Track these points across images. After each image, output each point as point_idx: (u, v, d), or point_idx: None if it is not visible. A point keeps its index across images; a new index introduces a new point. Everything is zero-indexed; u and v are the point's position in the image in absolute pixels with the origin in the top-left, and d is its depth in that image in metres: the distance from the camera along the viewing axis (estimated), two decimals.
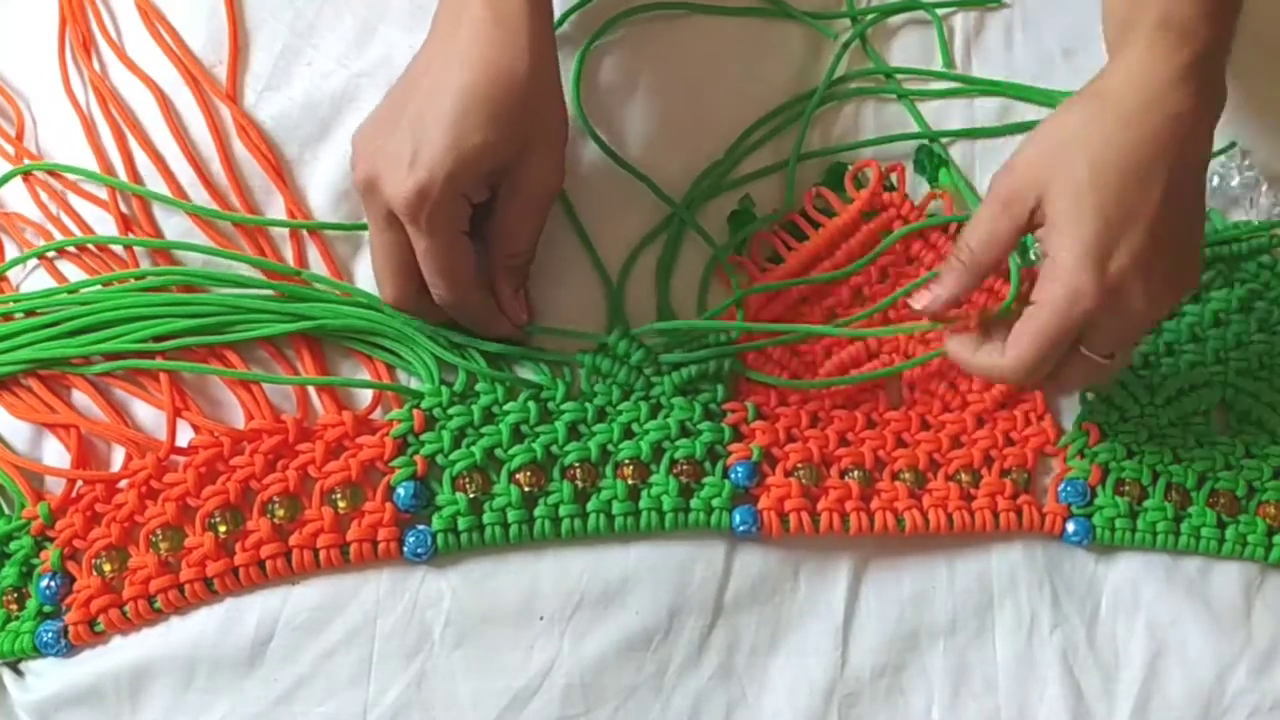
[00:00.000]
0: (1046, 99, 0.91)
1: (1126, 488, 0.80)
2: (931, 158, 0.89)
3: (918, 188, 0.89)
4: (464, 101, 0.71)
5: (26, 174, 0.84)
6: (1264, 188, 0.88)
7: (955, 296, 0.75)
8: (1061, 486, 0.81)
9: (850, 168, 0.88)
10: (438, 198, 0.71)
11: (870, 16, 0.92)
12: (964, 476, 0.80)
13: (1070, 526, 0.80)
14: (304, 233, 0.82)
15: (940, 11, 0.92)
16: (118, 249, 0.81)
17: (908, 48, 0.93)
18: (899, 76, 0.92)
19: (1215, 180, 0.88)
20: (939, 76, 0.93)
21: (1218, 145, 0.88)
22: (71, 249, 0.81)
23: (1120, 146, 0.71)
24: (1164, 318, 0.84)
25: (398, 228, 0.74)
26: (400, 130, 0.72)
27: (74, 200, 0.83)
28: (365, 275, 0.82)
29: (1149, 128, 0.71)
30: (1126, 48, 0.74)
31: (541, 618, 0.75)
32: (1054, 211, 0.71)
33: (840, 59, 0.91)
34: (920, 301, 0.76)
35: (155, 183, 0.83)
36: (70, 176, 0.83)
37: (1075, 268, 0.69)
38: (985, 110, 0.92)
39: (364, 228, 0.82)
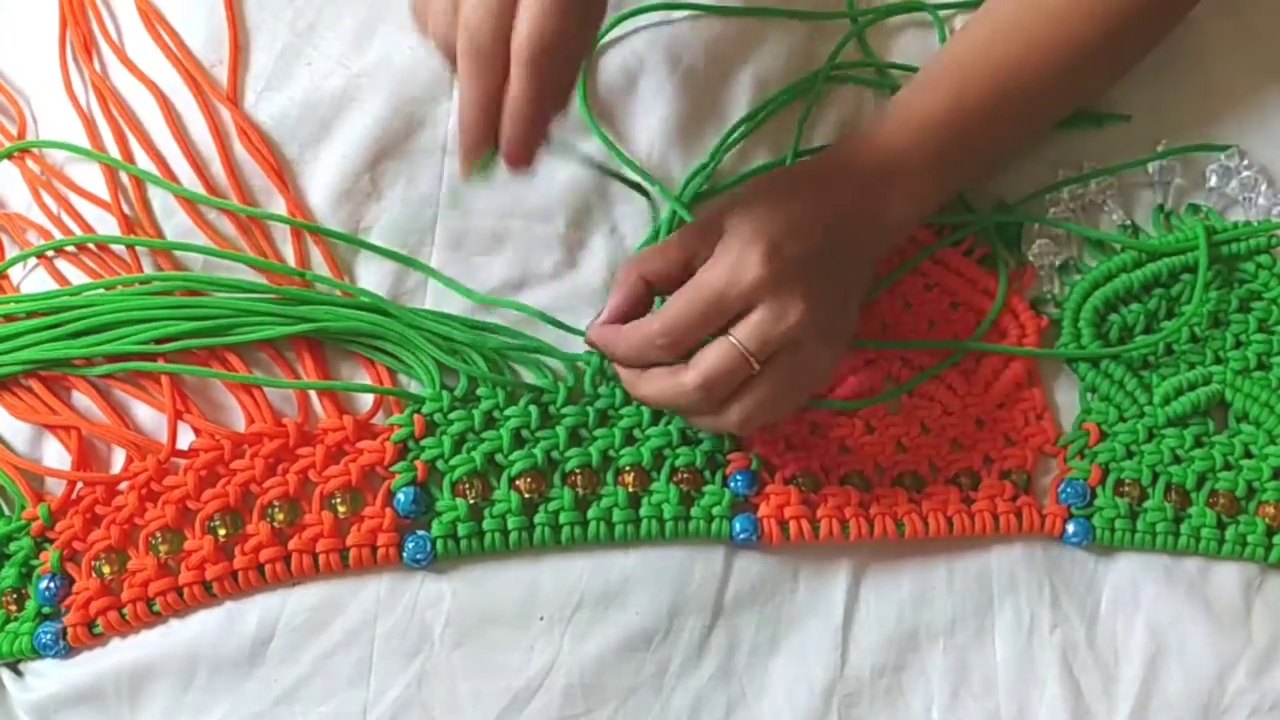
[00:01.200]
0: None
1: (1126, 488, 0.81)
2: None
3: None
4: None
5: (21, 157, 0.85)
6: (1263, 187, 0.88)
7: (621, 310, 0.74)
8: (1061, 487, 0.81)
9: None
10: None
11: (869, 16, 0.92)
12: (963, 479, 0.80)
13: (1070, 527, 0.80)
14: (305, 233, 0.82)
15: (942, 13, 0.92)
16: (119, 250, 0.81)
17: (907, 49, 0.92)
18: (894, 73, 0.92)
19: (1214, 180, 0.88)
20: None
21: (1218, 144, 0.88)
22: (72, 250, 0.81)
23: (796, 188, 0.76)
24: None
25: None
26: None
27: (75, 201, 0.83)
28: (367, 277, 0.82)
29: (819, 185, 0.76)
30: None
31: (541, 618, 0.75)
32: (733, 221, 0.73)
33: (838, 53, 0.90)
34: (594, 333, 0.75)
35: (155, 183, 0.83)
36: (69, 172, 0.83)
37: (749, 242, 0.70)
38: None
39: (365, 244, 0.82)
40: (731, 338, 0.70)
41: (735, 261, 0.70)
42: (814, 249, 0.72)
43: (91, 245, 0.81)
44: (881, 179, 0.77)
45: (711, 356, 0.70)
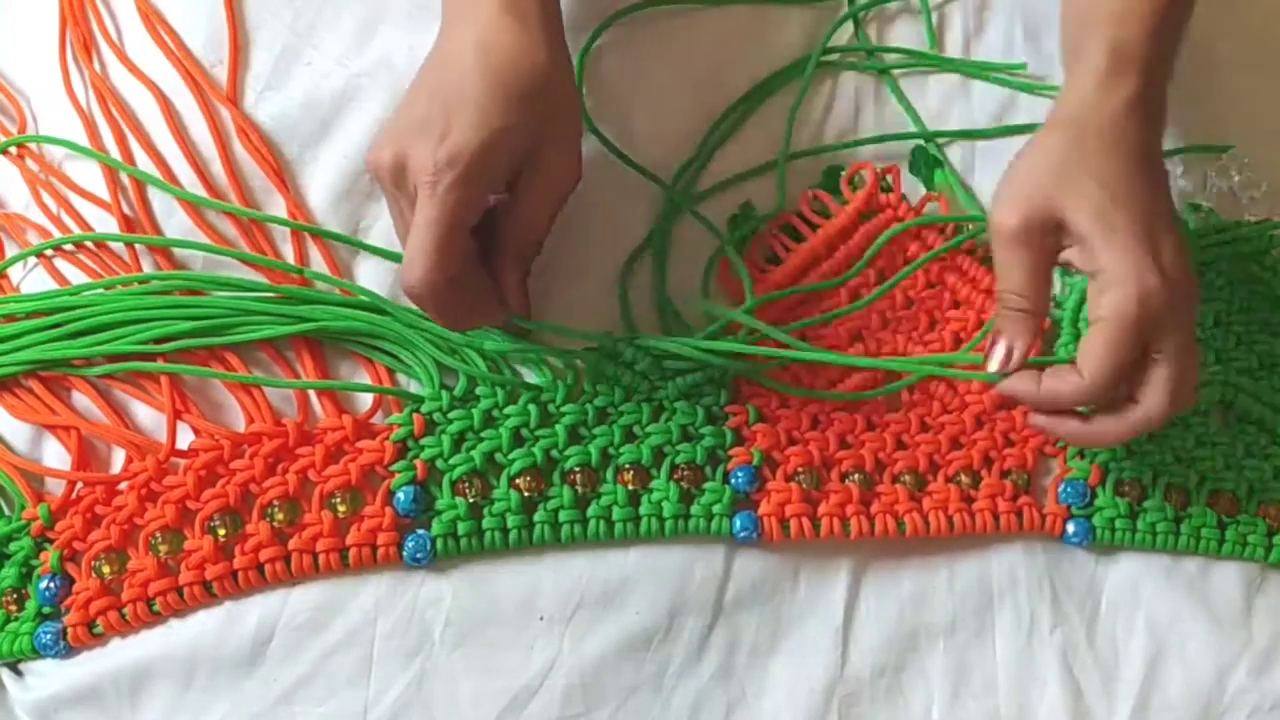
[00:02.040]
0: (1026, 88, 0.92)
1: (1126, 488, 0.81)
2: (926, 159, 0.89)
3: (916, 189, 0.89)
4: (490, 85, 0.71)
5: (21, 156, 0.85)
6: (1264, 187, 0.88)
7: (1029, 345, 0.74)
8: (1061, 487, 0.81)
9: (846, 170, 0.88)
10: (464, 170, 0.69)
11: (864, 2, 0.92)
12: (964, 478, 0.80)
13: (1070, 527, 0.80)
14: (305, 233, 0.82)
15: (933, 2, 0.92)
16: (119, 250, 0.81)
17: (904, 39, 0.93)
18: (888, 57, 0.93)
19: (1215, 180, 0.88)
20: (927, 60, 0.93)
21: (1218, 144, 0.89)
22: (71, 249, 0.81)
23: (1115, 167, 0.72)
24: None
25: (404, 200, 0.73)
26: (430, 111, 0.71)
27: (75, 201, 0.83)
28: (367, 275, 0.82)
29: (1128, 150, 0.73)
30: (1081, 76, 0.75)
31: (541, 618, 0.75)
32: (1084, 229, 0.71)
33: (829, 38, 0.90)
34: (995, 363, 0.75)
35: (156, 184, 0.83)
36: (68, 173, 0.84)
37: (1138, 269, 0.69)
38: (984, 111, 0.92)
39: (363, 245, 0.83)
40: (1154, 355, 0.71)
41: (1139, 294, 0.69)
42: (1176, 244, 0.71)
43: (90, 244, 0.81)
44: (1124, 117, 0.75)
45: (1157, 388, 0.71)
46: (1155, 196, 0.72)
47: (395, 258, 0.82)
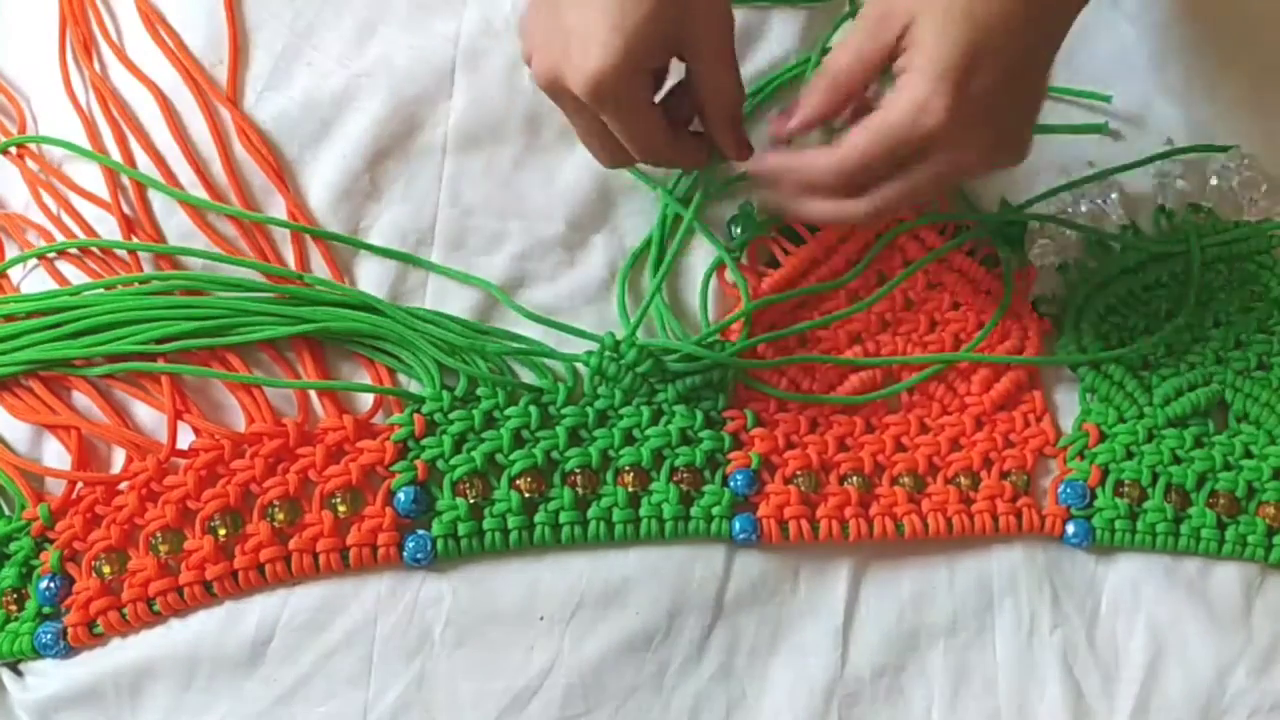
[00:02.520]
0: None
1: (1126, 489, 0.81)
2: None
3: None
4: None
5: (21, 156, 0.85)
6: (1264, 187, 0.88)
7: (818, 116, 0.74)
8: (1061, 488, 0.81)
9: None
10: (616, 79, 0.69)
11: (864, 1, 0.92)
12: (963, 480, 0.80)
13: (1070, 528, 0.80)
14: (305, 234, 0.82)
15: None
16: (119, 250, 0.81)
17: None
18: None
19: (1215, 180, 0.88)
20: None
21: (1218, 144, 0.88)
22: (73, 250, 0.81)
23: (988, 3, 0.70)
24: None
25: (590, 110, 0.73)
26: (566, 19, 0.70)
27: (75, 201, 0.83)
28: (367, 276, 0.82)
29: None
30: None
31: (541, 618, 0.75)
32: (920, 33, 0.69)
33: (830, 39, 0.90)
34: (779, 125, 0.75)
35: (157, 187, 0.83)
36: (68, 173, 0.83)
37: (932, 81, 0.68)
38: None
39: (363, 245, 0.83)
40: (908, 181, 0.70)
41: (920, 102, 0.68)
42: (1003, 76, 0.69)
43: (96, 250, 0.81)
44: None
45: (888, 196, 0.71)
46: (1010, 35, 0.69)
47: (395, 255, 0.82)
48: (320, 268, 0.82)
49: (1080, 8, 0.72)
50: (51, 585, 0.74)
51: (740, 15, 0.90)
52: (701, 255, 0.85)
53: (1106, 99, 0.90)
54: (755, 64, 0.89)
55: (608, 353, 0.79)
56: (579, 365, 0.80)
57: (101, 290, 0.79)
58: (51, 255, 0.81)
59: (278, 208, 0.83)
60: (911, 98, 0.68)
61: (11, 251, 0.83)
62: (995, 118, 0.70)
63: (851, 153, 0.70)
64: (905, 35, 0.69)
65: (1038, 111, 0.74)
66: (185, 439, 0.77)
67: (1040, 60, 0.72)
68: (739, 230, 0.85)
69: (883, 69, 0.71)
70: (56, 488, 0.77)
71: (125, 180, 0.83)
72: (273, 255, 0.81)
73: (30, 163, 0.85)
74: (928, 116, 0.68)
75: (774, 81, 0.88)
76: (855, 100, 0.74)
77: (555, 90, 0.72)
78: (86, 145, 0.84)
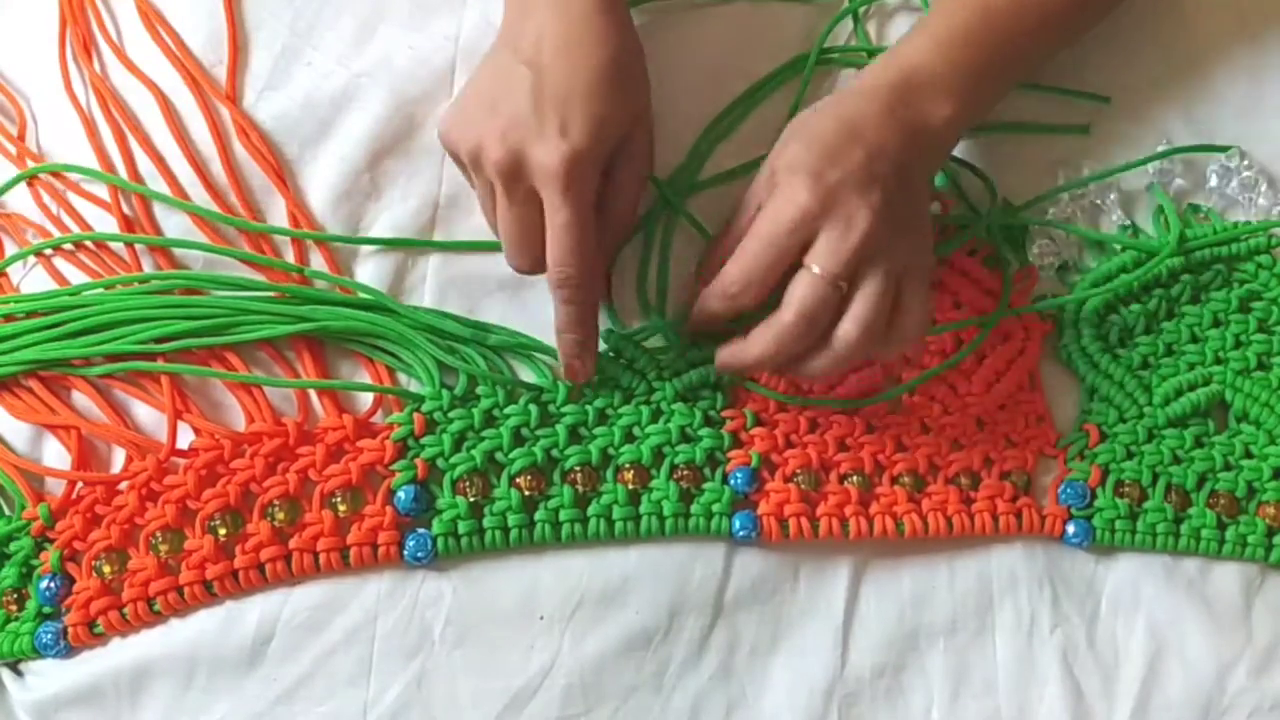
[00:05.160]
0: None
1: (1126, 489, 0.81)
2: None
3: None
4: (601, 75, 0.73)
5: (21, 157, 0.85)
6: (1263, 188, 0.88)
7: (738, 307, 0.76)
8: (1061, 488, 0.81)
9: None
10: (586, 166, 0.72)
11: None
12: (963, 479, 0.80)
13: (1070, 528, 0.80)
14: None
15: None
16: (119, 249, 0.81)
17: (902, 33, 0.92)
18: None
19: (1214, 180, 0.88)
20: None
21: (1218, 144, 0.88)
22: (69, 248, 0.81)
23: (823, 129, 0.75)
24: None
25: (536, 203, 0.74)
26: (538, 108, 0.73)
27: (75, 200, 0.83)
28: (366, 275, 0.82)
29: (846, 121, 0.75)
30: (870, 73, 0.80)
31: (541, 617, 0.75)
32: (777, 164, 0.75)
33: (827, 35, 0.90)
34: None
35: (156, 184, 0.83)
36: (72, 176, 0.83)
37: (787, 177, 0.73)
38: None
39: (365, 240, 0.82)
40: (809, 265, 0.71)
41: (783, 198, 0.72)
42: (857, 168, 0.72)
43: (90, 244, 0.81)
44: (912, 90, 0.77)
45: (797, 289, 0.72)
46: (852, 152, 0.73)
47: (398, 243, 0.83)
48: (320, 268, 0.81)
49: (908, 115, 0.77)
50: (52, 585, 0.74)
51: (740, 11, 0.90)
52: (694, 249, 0.84)
53: (1105, 101, 0.90)
54: (754, 60, 0.89)
55: (607, 349, 0.79)
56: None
57: (101, 290, 0.79)
58: (50, 254, 0.81)
59: (278, 207, 0.83)
60: (775, 198, 0.73)
61: (11, 251, 0.83)
62: (864, 193, 0.72)
63: (742, 258, 0.73)
64: (773, 179, 0.75)
65: (924, 202, 0.78)
66: (185, 438, 0.77)
67: (900, 173, 0.75)
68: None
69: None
70: (57, 487, 0.77)
71: (127, 180, 0.83)
72: (272, 254, 0.81)
73: (30, 163, 0.84)
74: (795, 201, 0.71)
75: (773, 81, 0.88)
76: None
77: (514, 172, 0.74)
78: (86, 145, 0.84)
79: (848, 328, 0.72)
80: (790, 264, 0.72)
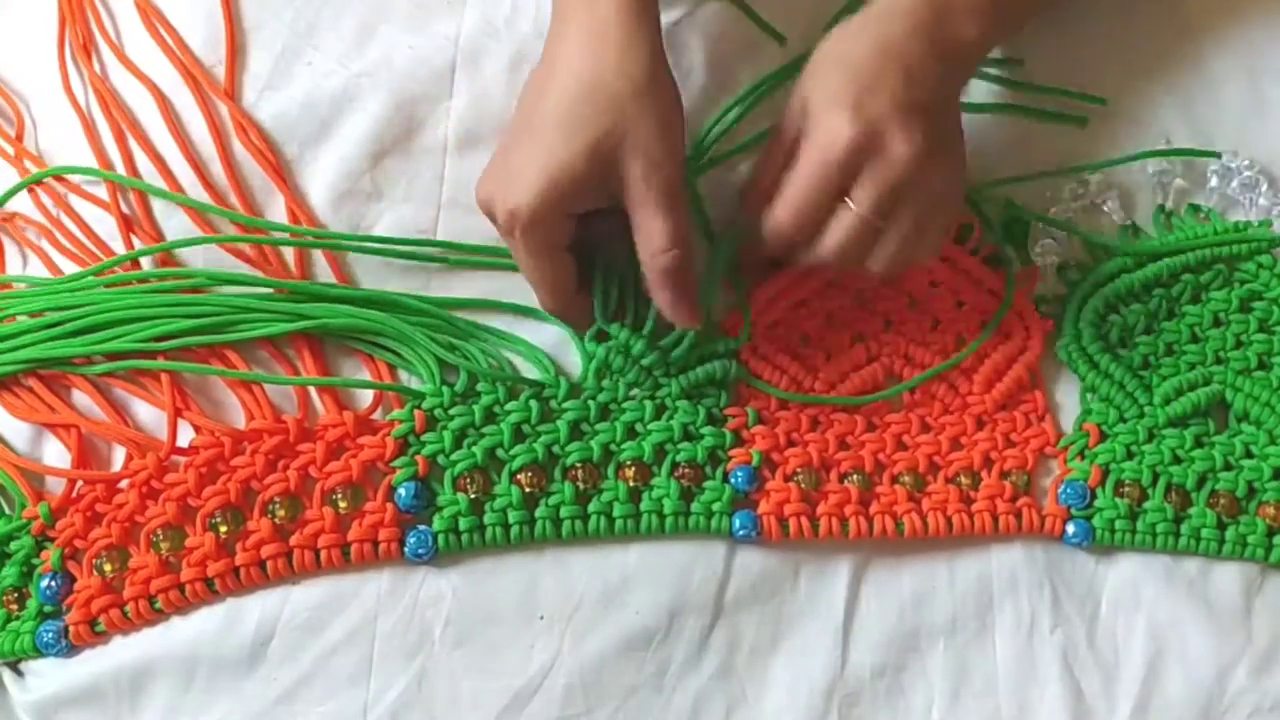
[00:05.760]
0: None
1: (1126, 489, 0.81)
2: None
3: None
4: (552, 118, 0.73)
5: (20, 158, 0.85)
6: (1264, 188, 0.88)
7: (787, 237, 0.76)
8: (1061, 488, 0.81)
9: None
10: (529, 219, 0.72)
11: None
12: (964, 479, 0.80)
13: (1070, 528, 0.80)
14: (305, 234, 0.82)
15: None
16: (118, 248, 0.81)
17: None
18: None
19: (1215, 180, 0.89)
20: None
21: (1219, 147, 0.89)
22: (68, 246, 0.82)
23: (857, 52, 0.75)
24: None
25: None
26: (511, 156, 0.74)
27: (74, 200, 0.83)
28: (366, 274, 0.82)
29: (877, 41, 0.75)
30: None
31: (542, 617, 0.75)
32: (810, 98, 0.74)
33: (832, 26, 0.90)
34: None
35: (155, 183, 0.83)
36: (74, 179, 0.83)
37: (826, 111, 0.73)
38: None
39: (365, 239, 0.82)
40: (849, 203, 0.72)
41: (825, 133, 0.72)
42: (894, 95, 0.73)
43: (88, 243, 0.81)
44: (943, 7, 0.77)
45: (839, 228, 0.73)
46: (892, 64, 0.74)
47: (400, 243, 0.82)
48: (321, 268, 0.82)
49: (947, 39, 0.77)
50: (52, 584, 0.74)
51: (739, 14, 0.90)
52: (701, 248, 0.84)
53: (1101, 101, 0.90)
54: (755, 62, 0.89)
55: (614, 344, 0.79)
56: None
57: (101, 287, 0.79)
58: (50, 252, 0.81)
59: (278, 208, 0.83)
60: (816, 134, 0.73)
61: (11, 251, 0.83)
62: (903, 121, 0.72)
63: (786, 212, 0.74)
64: (804, 114, 0.74)
65: (957, 120, 0.78)
66: (185, 436, 0.77)
67: (933, 92, 0.75)
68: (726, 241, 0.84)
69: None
70: (57, 486, 0.77)
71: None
72: (273, 253, 0.81)
73: (29, 164, 0.84)
74: (837, 139, 0.72)
75: (773, 80, 0.88)
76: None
77: (488, 215, 0.76)
78: (85, 145, 0.84)
79: (877, 257, 0.74)
80: (839, 197, 0.73)
